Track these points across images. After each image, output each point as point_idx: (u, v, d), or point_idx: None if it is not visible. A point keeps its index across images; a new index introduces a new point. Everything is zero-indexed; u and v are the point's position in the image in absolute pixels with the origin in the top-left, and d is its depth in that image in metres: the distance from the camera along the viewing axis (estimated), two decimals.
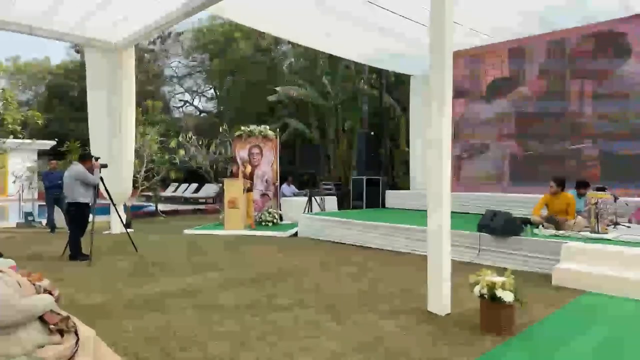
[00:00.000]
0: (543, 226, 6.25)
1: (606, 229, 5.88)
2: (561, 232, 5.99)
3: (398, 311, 3.96)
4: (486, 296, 3.38)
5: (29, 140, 11.67)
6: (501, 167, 9.98)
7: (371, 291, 4.65)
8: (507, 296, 3.31)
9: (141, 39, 9.84)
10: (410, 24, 8.33)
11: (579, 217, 6.25)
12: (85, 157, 6.73)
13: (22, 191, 12.34)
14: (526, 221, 6.30)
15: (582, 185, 6.94)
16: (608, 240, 5.41)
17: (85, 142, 11.12)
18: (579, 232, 5.89)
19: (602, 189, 6.77)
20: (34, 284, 2.19)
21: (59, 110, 24.25)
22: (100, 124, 9.15)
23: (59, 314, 2.06)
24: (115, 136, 9.17)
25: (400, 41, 9.41)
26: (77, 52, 25.60)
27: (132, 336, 3.35)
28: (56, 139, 13.99)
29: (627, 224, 6.42)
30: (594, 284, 4.57)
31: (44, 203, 10.04)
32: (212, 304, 4.19)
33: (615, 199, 6.44)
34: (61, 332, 2.01)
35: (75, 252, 6.43)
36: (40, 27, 8.21)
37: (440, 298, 3.88)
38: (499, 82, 10.05)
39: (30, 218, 11.02)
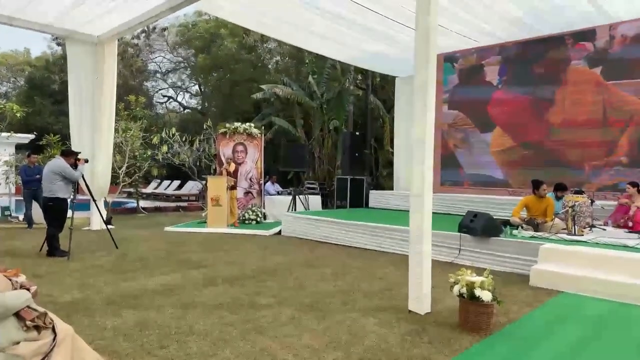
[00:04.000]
0: (522, 227, 6.38)
1: (582, 231, 6.03)
2: (539, 233, 6.12)
3: (379, 309, 4.00)
4: (465, 295, 3.45)
5: (6, 134, 11.33)
6: (481, 169, 10.13)
7: (353, 290, 4.68)
8: (486, 295, 3.37)
9: (124, 33, 9.70)
10: (396, 25, 8.41)
11: (557, 219, 6.39)
12: (68, 153, 6.60)
13: None
14: (506, 222, 6.42)
15: (560, 188, 7.10)
16: (584, 243, 5.54)
17: (66, 137, 10.91)
18: (557, 233, 6.03)
19: (580, 192, 6.95)
20: (10, 280, 2.15)
21: (39, 103, 23.69)
22: (81, 118, 9.01)
23: (35, 310, 2.03)
24: (95, 131, 9.03)
25: (386, 43, 9.49)
26: (59, 44, 25.08)
27: (110, 333, 3.31)
28: (35, 133, 13.67)
29: (603, 227, 6.59)
30: (570, 285, 4.68)
31: (22, 198, 9.82)
32: (192, 301, 4.16)
33: (592, 202, 6.61)
34: (38, 329, 1.98)
35: (53, 249, 6.31)
36: (21, 18, 8.02)
37: (420, 297, 3.93)
38: (480, 84, 10.19)
39: (7, 213, 10.76)
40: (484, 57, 10.14)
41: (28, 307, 2.01)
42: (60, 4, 7.58)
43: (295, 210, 10.19)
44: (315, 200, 11.97)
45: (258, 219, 10.33)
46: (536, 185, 6.75)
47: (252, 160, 11.30)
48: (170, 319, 3.65)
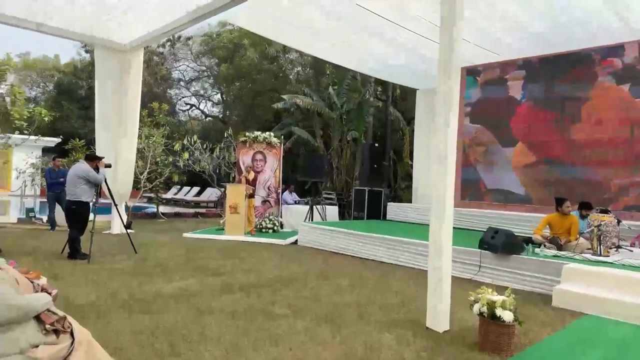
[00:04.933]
0: (545, 246, 6.22)
1: (608, 252, 5.84)
2: (563, 252, 5.95)
3: (395, 325, 3.93)
4: (485, 315, 3.35)
5: (34, 137, 11.67)
6: (502, 185, 9.96)
7: (369, 303, 4.61)
8: (507, 316, 3.27)
9: (151, 42, 9.91)
10: (419, 38, 8.39)
11: (581, 238, 6.21)
12: (92, 157, 6.75)
13: (25, 187, 12.36)
14: (528, 240, 6.27)
15: (585, 207, 6.90)
16: (610, 264, 5.37)
17: (91, 141, 11.16)
18: (581, 253, 5.85)
19: (606, 211, 6.75)
20: (32, 282, 2.18)
21: (66, 108, 24.37)
22: (107, 123, 9.20)
23: (55, 313, 2.04)
24: (120, 136, 9.21)
25: (407, 55, 9.47)
26: (87, 51, 25.81)
27: (126, 337, 3.32)
28: (61, 137, 14.04)
29: (629, 248, 6.37)
30: (594, 307, 4.52)
31: (46, 200, 10.06)
32: (208, 308, 4.16)
33: (619, 222, 6.41)
34: (57, 333, 1.99)
35: (75, 251, 6.42)
36: (52, 25, 8.28)
37: (438, 314, 3.85)
38: (502, 98, 10.05)
39: (31, 214, 11.03)
40: (508, 71, 10.02)
41: (48, 310, 2.03)
42: (90, 13, 7.80)
43: (312, 220, 10.17)
44: (333, 211, 11.92)
45: (275, 228, 10.33)
46: (559, 202, 6.59)
47: (271, 169, 11.35)
48: (185, 324, 3.65)
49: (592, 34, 8.05)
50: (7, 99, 10.76)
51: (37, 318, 1.96)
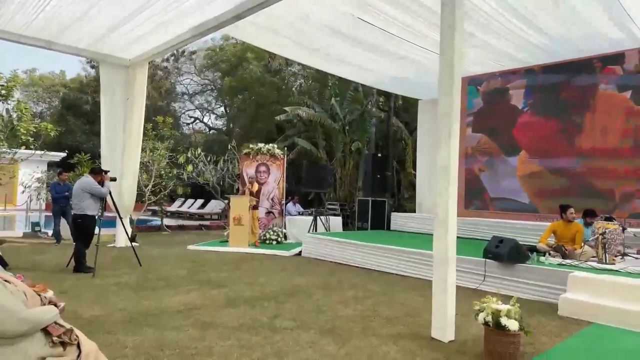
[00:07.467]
0: (550, 254, 6.19)
1: (614, 260, 5.81)
2: (568, 261, 5.92)
3: (400, 336, 3.91)
4: (491, 324, 3.34)
5: (40, 152, 11.77)
6: (506, 194, 9.94)
7: (374, 314, 4.60)
8: (513, 325, 3.26)
9: (155, 57, 10.05)
10: (420, 50, 8.47)
11: (586, 246, 6.19)
12: (97, 171, 6.82)
13: (30, 201, 12.44)
14: (532, 249, 6.25)
15: (588, 214, 6.88)
16: (615, 271, 5.34)
17: (96, 155, 11.26)
18: (586, 261, 5.82)
19: (610, 219, 6.73)
20: (39, 295, 2.20)
21: (71, 123, 24.62)
22: (112, 137, 9.30)
23: (62, 326, 2.06)
24: (124, 150, 9.30)
25: (409, 66, 9.54)
26: (92, 67, 26.14)
27: (131, 351, 3.33)
28: (67, 151, 14.18)
29: (635, 255, 6.33)
30: (601, 316, 4.49)
31: (51, 214, 10.11)
32: (213, 321, 4.16)
33: (623, 229, 6.38)
34: (64, 345, 2.01)
35: (80, 264, 6.45)
36: (58, 42, 8.43)
37: (444, 324, 3.83)
38: (505, 107, 10.09)
39: (36, 228, 11.08)
40: (509, 81, 10.07)
41: (55, 323, 2.05)
42: (96, 30, 7.93)
43: (316, 231, 10.17)
44: (336, 222, 11.91)
45: (279, 239, 10.34)
46: (563, 209, 6.58)
47: (275, 181, 11.39)
48: (189, 339, 3.66)
49: (593, 43, 8.09)
50: (14, 115, 10.89)
51: (45, 330, 1.98)
